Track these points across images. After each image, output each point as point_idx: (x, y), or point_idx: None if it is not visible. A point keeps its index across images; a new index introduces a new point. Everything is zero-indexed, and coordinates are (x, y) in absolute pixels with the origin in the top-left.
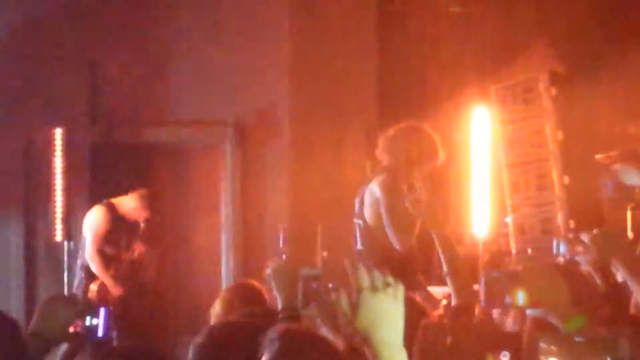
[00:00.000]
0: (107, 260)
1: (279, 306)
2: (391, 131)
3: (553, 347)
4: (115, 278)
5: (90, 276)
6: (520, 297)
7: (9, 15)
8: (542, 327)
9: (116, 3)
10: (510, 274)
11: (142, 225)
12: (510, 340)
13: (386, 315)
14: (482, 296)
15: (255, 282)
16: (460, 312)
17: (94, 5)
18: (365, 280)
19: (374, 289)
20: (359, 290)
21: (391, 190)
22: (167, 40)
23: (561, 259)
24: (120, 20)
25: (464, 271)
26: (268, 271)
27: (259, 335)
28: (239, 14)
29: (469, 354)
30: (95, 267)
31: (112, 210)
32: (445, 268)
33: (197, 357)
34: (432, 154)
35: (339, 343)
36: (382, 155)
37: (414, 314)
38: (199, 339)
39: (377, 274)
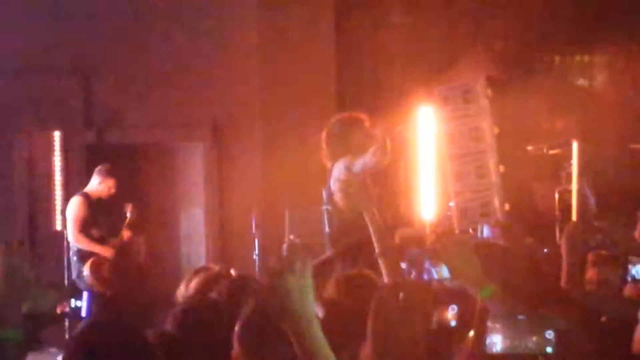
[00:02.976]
0: (95, 241)
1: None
2: (330, 123)
3: (497, 325)
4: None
5: (82, 259)
6: (445, 270)
7: (11, 30)
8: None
9: (106, 20)
10: (431, 251)
11: (127, 212)
12: (458, 296)
13: (297, 292)
14: (407, 271)
15: (213, 265)
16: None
17: (87, 21)
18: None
19: (281, 271)
20: (271, 273)
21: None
22: (151, 51)
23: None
24: (110, 34)
25: (393, 252)
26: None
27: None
28: (213, 27)
29: (420, 308)
30: (83, 245)
31: (86, 197)
32: (376, 248)
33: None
34: (367, 140)
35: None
36: (323, 146)
37: (366, 288)
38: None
39: (290, 257)
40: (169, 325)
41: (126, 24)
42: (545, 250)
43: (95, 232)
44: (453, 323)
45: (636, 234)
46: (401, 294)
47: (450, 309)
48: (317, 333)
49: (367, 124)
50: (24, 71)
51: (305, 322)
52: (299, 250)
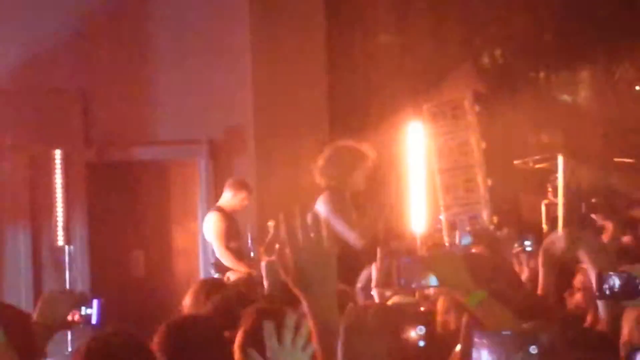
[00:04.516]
0: (235, 254)
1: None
2: (325, 153)
3: (484, 341)
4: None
5: (221, 271)
6: (433, 279)
7: (14, 51)
8: (476, 324)
9: (103, 40)
10: (420, 260)
11: (270, 230)
12: (424, 317)
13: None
14: (396, 279)
15: (218, 278)
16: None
17: (85, 42)
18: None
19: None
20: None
21: (332, 201)
22: (148, 70)
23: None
24: (108, 54)
25: (386, 259)
26: (263, 264)
27: (213, 329)
28: (209, 49)
29: (388, 329)
30: (227, 261)
31: (221, 211)
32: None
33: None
34: (362, 167)
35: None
36: (319, 175)
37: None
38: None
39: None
40: (155, 340)
41: (125, 45)
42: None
43: (233, 244)
44: (421, 343)
45: (604, 237)
46: (369, 316)
47: (417, 329)
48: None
49: (363, 155)
50: (26, 91)
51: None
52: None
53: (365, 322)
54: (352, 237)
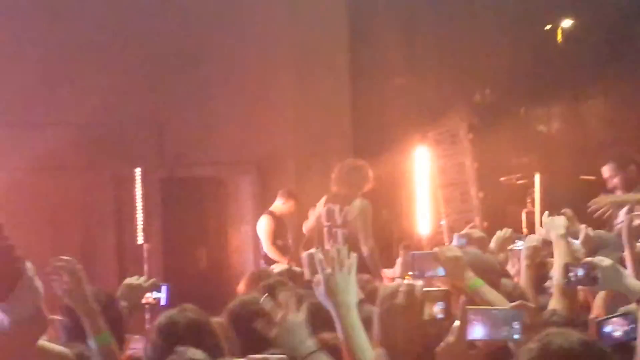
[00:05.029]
0: (281, 250)
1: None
2: (339, 167)
3: (477, 317)
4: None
5: (269, 263)
6: (441, 270)
7: (105, 88)
8: (470, 303)
9: (174, 79)
10: (431, 255)
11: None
12: (442, 295)
13: (342, 285)
14: (412, 270)
15: (266, 269)
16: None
17: (160, 81)
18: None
19: (339, 268)
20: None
21: (365, 209)
22: (209, 105)
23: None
24: (178, 91)
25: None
26: (304, 255)
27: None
28: (256, 88)
29: (415, 305)
30: (272, 254)
31: (272, 214)
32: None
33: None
34: (367, 181)
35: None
36: (336, 183)
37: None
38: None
39: (341, 258)
40: (225, 316)
41: (191, 84)
42: None
43: (279, 242)
44: (440, 316)
45: None
46: (400, 295)
47: (437, 305)
48: (354, 318)
49: (366, 169)
50: (113, 121)
51: (344, 308)
52: (345, 253)
53: (397, 300)
54: (366, 243)
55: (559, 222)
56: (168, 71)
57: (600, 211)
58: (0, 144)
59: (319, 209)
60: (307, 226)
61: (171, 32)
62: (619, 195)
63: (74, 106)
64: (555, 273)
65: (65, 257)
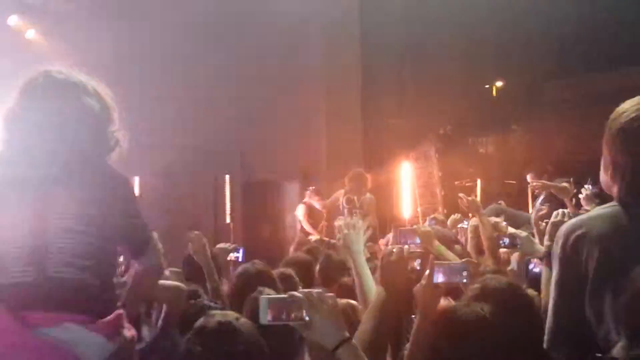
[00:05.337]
0: (312, 226)
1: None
2: (351, 173)
3: (441, 269)
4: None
5: (306, 234)
6: (417, 240)
7: (212, 118)
8: (437, 259)
9: (253, 114)
10: (411, 230)
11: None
12: (419, 255)
13: (357, 239)
14: (399, 240)
15: (306, 239)
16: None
17: (244, 113)
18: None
19: (353, 228)
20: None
21: (371, 201)
22: (274, 131)
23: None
24: (255, 122)
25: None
26: (337, 221)
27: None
28: (302, 120)
29: (403, 262)
30: (306, 227)
31: (305, 204)
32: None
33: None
34: (367, 182)
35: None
36: (349, 182)
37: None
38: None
39: (353, 223)
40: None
41: (262, 117)
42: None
43: (311, 220)
44: (418, 268)
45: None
46: (393, 254)
47: (416, 261)
48: (363, 261)
49: (365, 175)
50: (212, 143)
51: (356, 254)
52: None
53: (391, 257)
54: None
55: (491, 214)
56: (248, 110)
57: (536, 190)
58: (141, 156)
59: (339, 197)
60: (322, 205)
61: (249, 86)
62: (549, 183)
63: (192, 131)
64: (485, 242)
65: (196, 232)
